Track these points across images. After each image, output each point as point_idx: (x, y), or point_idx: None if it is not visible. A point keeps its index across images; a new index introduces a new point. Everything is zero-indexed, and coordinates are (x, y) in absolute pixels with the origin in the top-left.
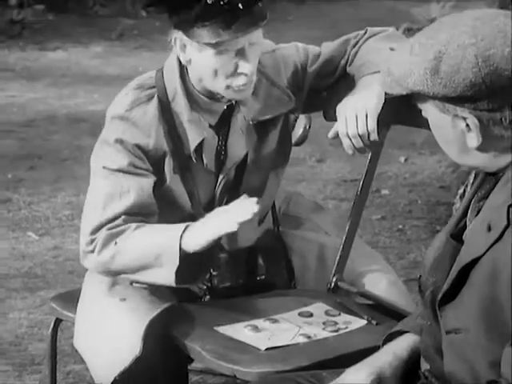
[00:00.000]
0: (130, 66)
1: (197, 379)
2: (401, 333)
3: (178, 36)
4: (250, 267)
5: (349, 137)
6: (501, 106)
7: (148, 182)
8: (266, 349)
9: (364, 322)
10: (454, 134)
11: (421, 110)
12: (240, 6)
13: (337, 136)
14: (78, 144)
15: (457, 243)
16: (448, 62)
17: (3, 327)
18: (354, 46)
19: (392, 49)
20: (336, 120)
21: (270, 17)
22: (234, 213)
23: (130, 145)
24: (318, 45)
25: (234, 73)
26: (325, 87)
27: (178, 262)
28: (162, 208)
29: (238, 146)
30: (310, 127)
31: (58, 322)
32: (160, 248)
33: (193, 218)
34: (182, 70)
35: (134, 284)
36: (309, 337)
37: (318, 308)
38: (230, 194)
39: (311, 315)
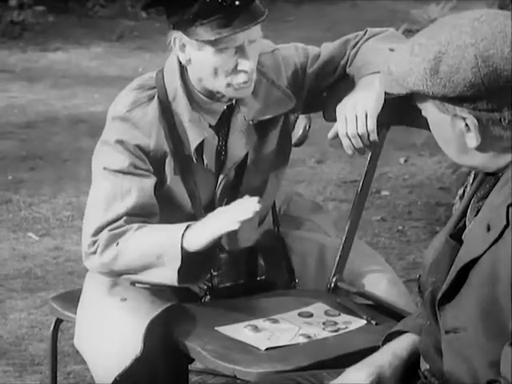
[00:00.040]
0: (130, 66)
1: (197, 379)
2: (400, 333)
3: (177, 36)
4: (251, 267)
5: (348, 137)
6: (500, 106)
7: (149, 182)
8: (266, 349)
9: (364, 322)
10: (454, 134)
11: (420, 111)
12: (237, 2)
13: (336, 136)
14: (79, 145)
15: (456, 243)
16: (448, 62)
17: (4, 328)
18: (354, 47)
19: (392, 49)
20: (336, 120)
21: (269, 17)
22: (234, 212)
23: (131, 145)
24: (317, 45)
25: (234, 70)
26: (324, 88)
27: (180, 262)
28: (162, 208)
29: (238, 146)
30: (309, 128)
31: (58, 322)
32: (162, 248)
33: (193, 218)
34: (182, 71)
35: (135, 284)
36: (309, 337)
37: (318, 308)
38: (231, 194)
39: (311, 315)
